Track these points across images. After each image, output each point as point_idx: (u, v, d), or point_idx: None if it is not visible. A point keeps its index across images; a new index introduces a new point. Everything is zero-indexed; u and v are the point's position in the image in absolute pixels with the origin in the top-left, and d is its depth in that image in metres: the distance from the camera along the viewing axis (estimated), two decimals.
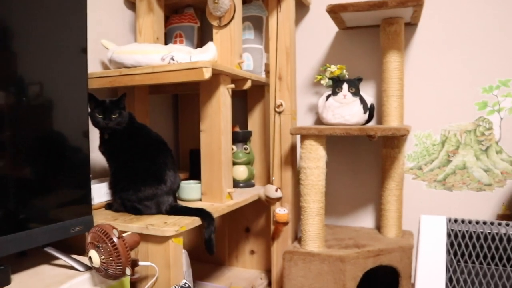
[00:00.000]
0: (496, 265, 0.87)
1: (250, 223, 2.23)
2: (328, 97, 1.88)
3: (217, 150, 1.68)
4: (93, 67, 1.85)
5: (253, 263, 2.26)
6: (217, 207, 1.62)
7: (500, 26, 1.87)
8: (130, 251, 1.14)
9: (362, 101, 1.84)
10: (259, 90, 2.11)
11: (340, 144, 2.14)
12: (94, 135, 1.60)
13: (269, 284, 2.07)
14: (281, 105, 1.88)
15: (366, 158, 2.09)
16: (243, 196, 1.84)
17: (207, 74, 1.50)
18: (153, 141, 1.60)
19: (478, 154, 1.91)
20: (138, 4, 1.99)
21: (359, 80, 1.87)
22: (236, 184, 2.05)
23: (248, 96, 2.17)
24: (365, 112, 1.84)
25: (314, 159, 1.70)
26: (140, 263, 1.34)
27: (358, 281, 1.69)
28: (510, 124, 1.87)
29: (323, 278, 1.68)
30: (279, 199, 1.90)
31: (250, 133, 2.11)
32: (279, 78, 1.90)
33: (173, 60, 1.64)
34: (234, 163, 2.06)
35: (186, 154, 2.31)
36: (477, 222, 0.88)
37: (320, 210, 1.73)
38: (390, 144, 1.87)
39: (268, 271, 2.18)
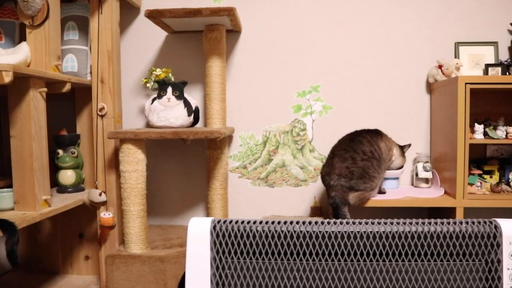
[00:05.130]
0: (257, 259, 0.97)
1: (83, 228, 2.18)
2: (153, 100, 1.91)
3: (29, 157, 1.61)
4: None
5: (89, 268, 2.21)
6: (28, 215, 1.55)
7: (311, 36, 2.07)
8: None
9: (187, 104, 1.90)
10: (86, 92, 2.05)
11: (171, 146, 2.18)
12: None
13: None
14: (103, 108, 1.86)
15: (196, 159, 2.17)
16: (65, 202, 1.78)
17: (7, 78, 1.43)
18: None
19: (294, 153, 2.09)
20: None
21: (184, 83, 1.92)
22: (63, 189, 1.99)
23: (76, 99, 2.11)
24: (189, 115, 1.90)
25: (133, 163, 1.71)
26: None
27: (180, 279, 1.74)
28: (320, 126, 2.08)
29: (144, 279, 1.71)
30: (103, 203, 1.88)
31: (77, 136, 2.05)
32: (101, 81, 1.87)
33: None
34: (61, 168, 1.99)
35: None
36: (237, 222, 0.97)
37: (141, 212, 1.75)
38: (213, 145, 1.96)
39: None
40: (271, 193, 2.12)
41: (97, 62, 1.88)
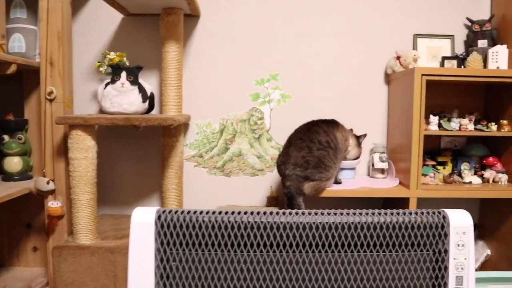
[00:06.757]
0: (203, 250, 0.93)
1: (31, 218, 2.08)
2: (107, 85, 1.83)
3: None
4: None
5: (37, 260, 2.11)
6: None
7: (270, 24, 2.03)
8: None
9: (141, 90, 1.83)
10: (35, 75, 1.94)
11: (124, 133, 2.11)
12: None
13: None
14: (52, 92, 1.77)
15: (150, 147, 2.10)
16: (9, 191, 1.69)
17: None
18: None
19: (252, 142, 2.06)
20: None
21: (139, 68, 1.85)
22: (9, 176, 1.89)
23: (24, 82, 2.00)
24: (144, 101, 1.84)
25: (82, 150, 1.64)
26: None
27: None
28: (278, 115, 2.05)
29: (93, 271, 1.65)
30: (51, 192, 1.80)
31: (25, 122, 1.95)
32: (50, 63, 1.78)
33: None
34: (7, 154, 1.89)
35: None
36: (182, 212, 0.93)
37: (90, 201, 1.68)
38: (168, 133, 1.90)
39: None
40: (228, 183, 2.09)
41: (45, 43, 1.78)
